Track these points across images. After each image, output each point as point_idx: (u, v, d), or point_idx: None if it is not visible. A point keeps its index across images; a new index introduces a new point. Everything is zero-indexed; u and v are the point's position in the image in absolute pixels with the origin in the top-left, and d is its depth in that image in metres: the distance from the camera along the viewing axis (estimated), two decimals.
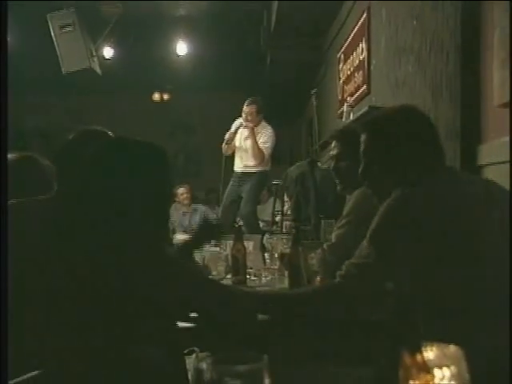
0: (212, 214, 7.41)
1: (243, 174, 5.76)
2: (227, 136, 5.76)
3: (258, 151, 5.60)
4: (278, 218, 5.75)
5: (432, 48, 3.27)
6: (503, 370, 1.30)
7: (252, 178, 5.69)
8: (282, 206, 5.55)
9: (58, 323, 1.31)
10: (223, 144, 5.79)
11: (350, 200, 2.66)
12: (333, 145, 2.81)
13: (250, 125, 5.63)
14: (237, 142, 5.80)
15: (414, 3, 3.61)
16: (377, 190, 1.85)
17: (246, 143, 5.69)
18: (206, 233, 2.42)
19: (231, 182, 5.87)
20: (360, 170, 1.89)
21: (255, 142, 5.60)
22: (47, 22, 7.10)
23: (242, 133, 5.73)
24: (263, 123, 5.75)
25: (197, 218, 7.23)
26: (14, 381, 1.14)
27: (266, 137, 5.66)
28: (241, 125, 5.69)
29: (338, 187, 2.79)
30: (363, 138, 1.87)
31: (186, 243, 2.39)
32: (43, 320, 1.32)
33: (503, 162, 2.42)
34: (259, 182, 5.74)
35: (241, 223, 5.24)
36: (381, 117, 1.97)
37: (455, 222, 1.61)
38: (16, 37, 7.65)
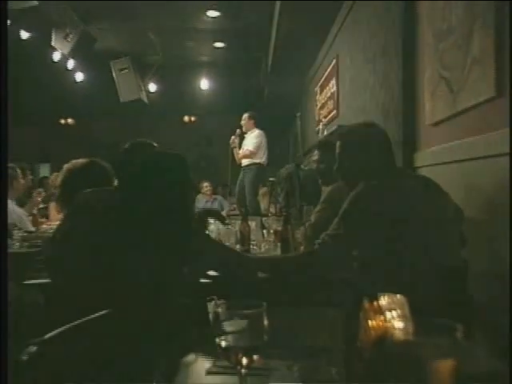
0: (226, 202, 7.40)
1: (244, 168, 5.71)
2: (231, 141, 5.73)
3: (241, 154, 5.62)
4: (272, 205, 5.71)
5: (382, 84, 3.26)
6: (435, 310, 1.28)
7: (250, 172, 5.59)
8: (276, 197, 5.53)
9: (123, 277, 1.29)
10: (235, 151, 5.75)
11: (325, 192, 2.66)
12: (315, 152, 2.84)
13: (244, 130, 5.66)
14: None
15: (369, 53, 3.60)
16: (348, 183, 1.84)
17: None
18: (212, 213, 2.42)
19: (240, 176, 5.82)
20: (335, 168, 1.88)
21: (238, 151, 5.65)
22: (110, 67, 7.21)
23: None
24: (254, 128, 5.68)
25: (216, 205, 7.23)
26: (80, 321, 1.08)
27: (250, 138, 5.63)
28: (239, 131, 5.70)
29: (320, 182, 2.83)
30: (338, 144, 1.86)
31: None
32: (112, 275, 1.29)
33: (431, 165, 2.43)
34: (255, 176, 5.58)
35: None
36: (351, 129, 1.96)
37: (404, 206, 1.60)
38: (89, 77, 7.67)
